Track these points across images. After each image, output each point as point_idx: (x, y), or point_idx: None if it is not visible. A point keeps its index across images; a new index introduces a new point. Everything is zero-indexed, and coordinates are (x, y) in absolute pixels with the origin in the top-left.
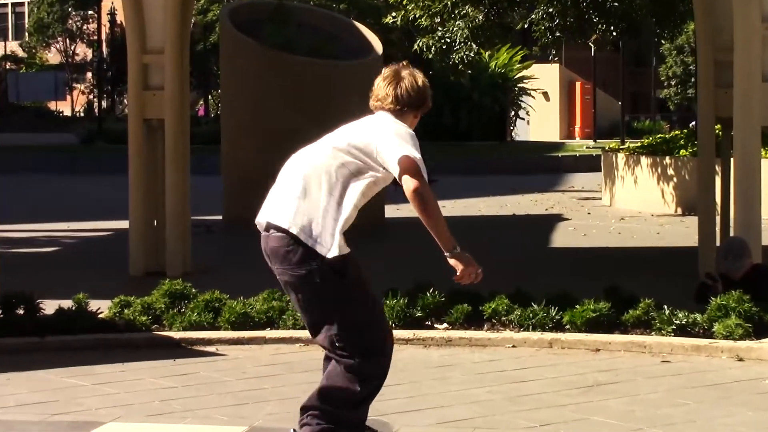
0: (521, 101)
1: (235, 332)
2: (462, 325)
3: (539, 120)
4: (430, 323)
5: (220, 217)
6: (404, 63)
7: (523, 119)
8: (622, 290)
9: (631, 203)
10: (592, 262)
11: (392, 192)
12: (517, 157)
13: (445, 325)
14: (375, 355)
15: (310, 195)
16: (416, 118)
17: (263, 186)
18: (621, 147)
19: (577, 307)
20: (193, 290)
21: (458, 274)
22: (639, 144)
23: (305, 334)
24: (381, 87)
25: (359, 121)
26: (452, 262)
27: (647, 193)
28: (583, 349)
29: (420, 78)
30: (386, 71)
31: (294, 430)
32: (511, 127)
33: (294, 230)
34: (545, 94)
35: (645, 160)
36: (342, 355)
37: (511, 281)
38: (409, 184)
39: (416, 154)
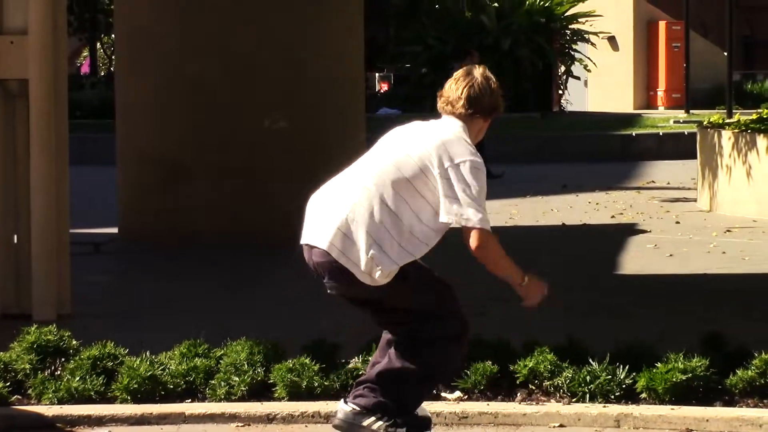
0: (575, 51)
1: (139, 406)
2: (483, 394)
3: (603, 80)
4: (435, 390)
5: (115, 230)
6: (474, 53)
7: (579, 79)
8: (728, 340)
9: (743, 207)
10: (682, 296)
11: None
12: (570, 136)
13: (457, 393)
14: (444, 342)
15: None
16: (486, 123)
17: (182, 182)
18: (728, 121)
19: (659, 365)
20: (74, 342)
21: (526, 302)
22: (755, 116)
23: (245, 408)
24: (453, 89)
25: (421, 130)
26: (523, 292)
27: (767, 191)
28: (668, 430)
29: (493, 81)
30: (458, 72)
31: (344, 400)
32: (561, 91)
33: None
34: (612, 40)
35: (764, 141)
36: (408, 342)
37: (559, 327)
38: (473, 242)
39: (485, 218)
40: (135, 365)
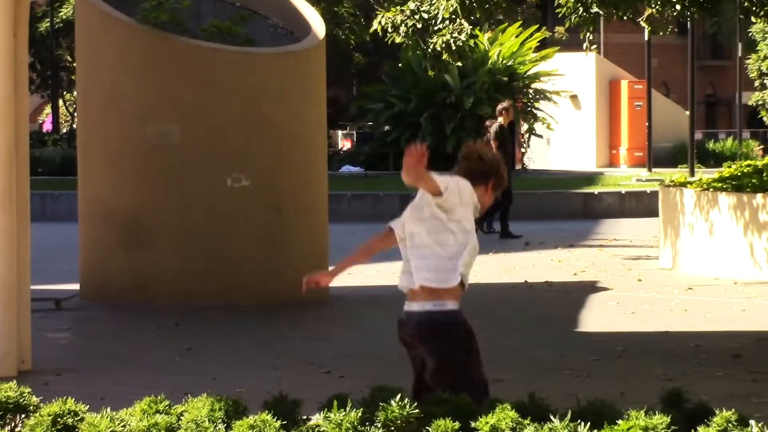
0: (538, 110)
1: None
2: None
3: (565, 138)
4: None
5: (76, 287)
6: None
7: (541, 137)
8: (688, 397)
9: (704, 265)
10: (644, 354)
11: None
12: (532, 194)
13: None
14: None
15: None
16: (488, 192)
17: (144, 240)
18: (690, 180)
19: (620, 422)
20: (34, 398)
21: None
22: (717, 175)
23: None
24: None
25: None
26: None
27: (728, 250)
28: None
29: (491, 153)
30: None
31: None
32: (523, 150)
33: None
34: (574, 99)
35: (725, 200)
36: None
37: (520, 384)
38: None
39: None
40: (95, 422)
